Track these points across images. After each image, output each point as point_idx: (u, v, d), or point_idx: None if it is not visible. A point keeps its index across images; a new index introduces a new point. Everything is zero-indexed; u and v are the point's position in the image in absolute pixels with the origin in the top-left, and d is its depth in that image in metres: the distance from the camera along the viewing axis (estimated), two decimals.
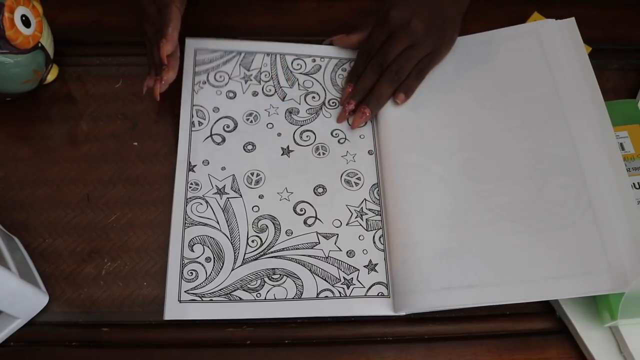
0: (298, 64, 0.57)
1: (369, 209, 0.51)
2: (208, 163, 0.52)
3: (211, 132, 0.54)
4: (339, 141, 0.54)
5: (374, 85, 0.54)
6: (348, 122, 0.55)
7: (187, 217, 0.50)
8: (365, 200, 0.51)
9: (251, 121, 0.55)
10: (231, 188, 0.52)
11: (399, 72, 0.53)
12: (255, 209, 0.51)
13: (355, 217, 0.51)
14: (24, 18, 0.49)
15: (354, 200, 0.51)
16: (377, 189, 0.52)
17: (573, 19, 0.55)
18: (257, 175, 0.52)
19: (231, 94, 0.56)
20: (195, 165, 0.52)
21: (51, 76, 0.55)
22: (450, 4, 0.55)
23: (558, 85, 0.52)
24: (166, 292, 0.47)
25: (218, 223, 0.50)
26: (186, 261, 0.48)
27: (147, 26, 0.53)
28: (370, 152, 0.53)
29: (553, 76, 0.53)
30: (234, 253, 0.49)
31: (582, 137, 0.49)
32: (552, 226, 0.47)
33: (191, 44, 0.58)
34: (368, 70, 0.54)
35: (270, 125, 0.55)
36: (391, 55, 0.53)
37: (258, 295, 0.47)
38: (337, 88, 0.57)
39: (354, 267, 0.49)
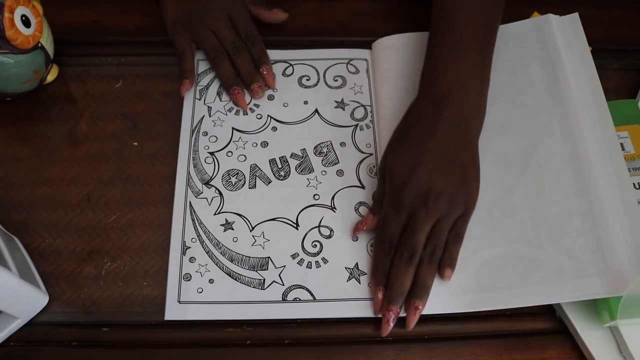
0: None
1: None
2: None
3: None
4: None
5: (411, 281, 0.45)
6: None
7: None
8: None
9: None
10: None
11: (435, 252, 0.45)
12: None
13: None
14: (24, 18, 0.49)
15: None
16: None
17: (577, 14, 0.55)
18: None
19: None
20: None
21: (51, 76, 0.55)
22: (462, 142, 0.46)
23: (560, 81, 0.52)
24: (166, 292, 0.47)
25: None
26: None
27: (225, 34, 0.55)
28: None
29: (555, 72, 0.52)
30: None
31: (583, 135, 0.49)
32: (550, 227, 0.47)
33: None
34: (397, 267, 0.45)
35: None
36: (418, 242, 0.45)
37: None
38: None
39: None
